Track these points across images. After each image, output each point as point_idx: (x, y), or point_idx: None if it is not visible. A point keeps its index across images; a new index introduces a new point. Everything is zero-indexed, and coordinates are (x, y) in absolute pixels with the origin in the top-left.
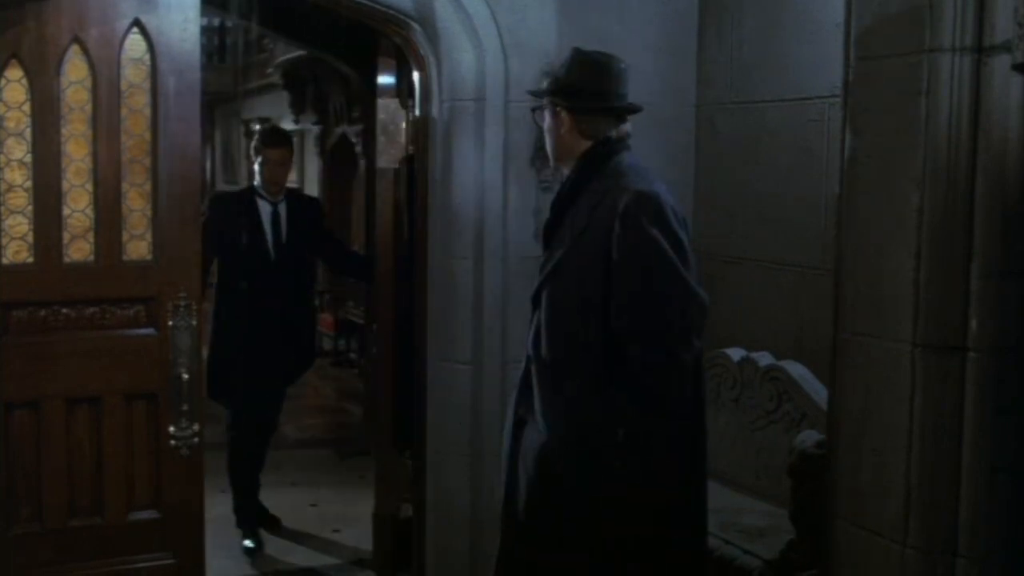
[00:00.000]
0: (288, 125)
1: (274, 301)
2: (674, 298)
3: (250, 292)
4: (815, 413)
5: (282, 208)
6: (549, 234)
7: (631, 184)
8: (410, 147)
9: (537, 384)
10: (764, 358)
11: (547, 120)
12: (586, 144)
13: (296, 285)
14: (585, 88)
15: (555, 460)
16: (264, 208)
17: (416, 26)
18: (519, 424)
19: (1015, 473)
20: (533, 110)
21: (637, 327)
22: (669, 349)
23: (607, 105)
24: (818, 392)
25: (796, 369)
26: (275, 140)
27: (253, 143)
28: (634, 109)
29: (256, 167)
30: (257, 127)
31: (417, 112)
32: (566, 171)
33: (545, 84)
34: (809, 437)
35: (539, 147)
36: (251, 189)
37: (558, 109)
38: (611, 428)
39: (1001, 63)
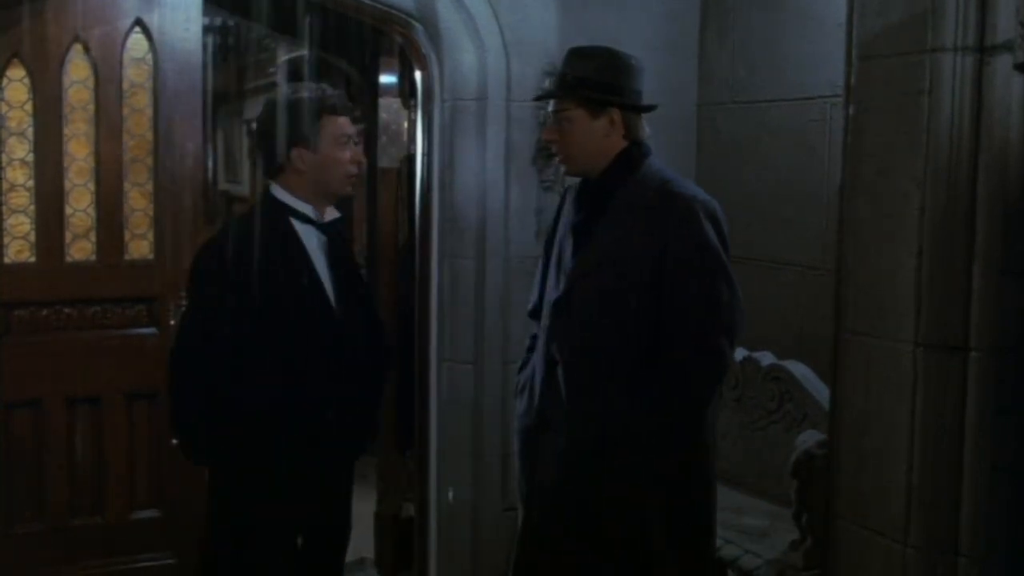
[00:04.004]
0: None
1: (338, 399)
2: (727, 304)
3: (298, 390)
4: (817, 413)
5: (331, 231)
6: (580, 235)
7: (680, 189)
8: (412, 146)
9: (568, 385)
10: (766, 358)
11: (583, 121)
12: (623, 144)
13: (369, 362)
14: (626, 86)
15: (586, 460)
16: (310, 236)
17: (418, 25)
18: (541, 427)
19: (1016, 472)
20: (557, 111)
21: (692, 330)
22: (719, 353)
23: (646, 104)
24: (820, 392)
25: (798, 369)
26: (345, 101)
27: (296, 114)
28: (654, 107)
29: (305, 159)
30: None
31: (419, 111)
32: (587, 173)
33: (564, 85)
34: (811, 437)
35: (541, 147)
36: (275, 205)
37: (610, 108)
38: (649, 429)
39: (1003, 63)
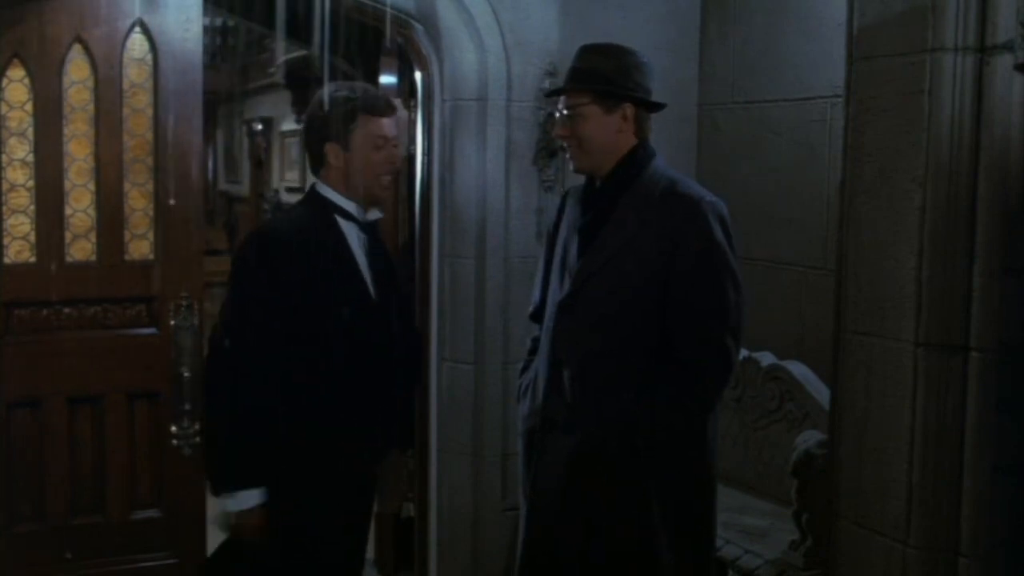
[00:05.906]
0: (290, 125)
1: (374, 412)
2: (734, 305)
3: (339, 385)
4: (817, 413)
5: (370, 229)
6: (586, 236)
7: (687, 190)
8: (412, 146)
9: (572, 386)
10: (766, 358)
11: (596, 116)
12: (633, 142)
13: (405, 354)
14: (639, 83)
15: (592, 461)
16: (352, 233)
17: (418, 25)
18: (545, 429)
19: (1017, 472)
20: (569, 106)
21: (699, 331)
22: (726, 354)
23: (659, 103)
24: (820, 392)
25: (798, 369)
26: (386, 102)
27: (332, 115)
28: (665, 105)
29: (338, 155)
30: (259, 127)
31: (419, 111)
32: (595, 171)
33: (577, 79)
34: (811, 437)
35: (542, 146)
36: (319, 201)
37: (623, 104)
38: (655, 430)
39: (1003, 63)
